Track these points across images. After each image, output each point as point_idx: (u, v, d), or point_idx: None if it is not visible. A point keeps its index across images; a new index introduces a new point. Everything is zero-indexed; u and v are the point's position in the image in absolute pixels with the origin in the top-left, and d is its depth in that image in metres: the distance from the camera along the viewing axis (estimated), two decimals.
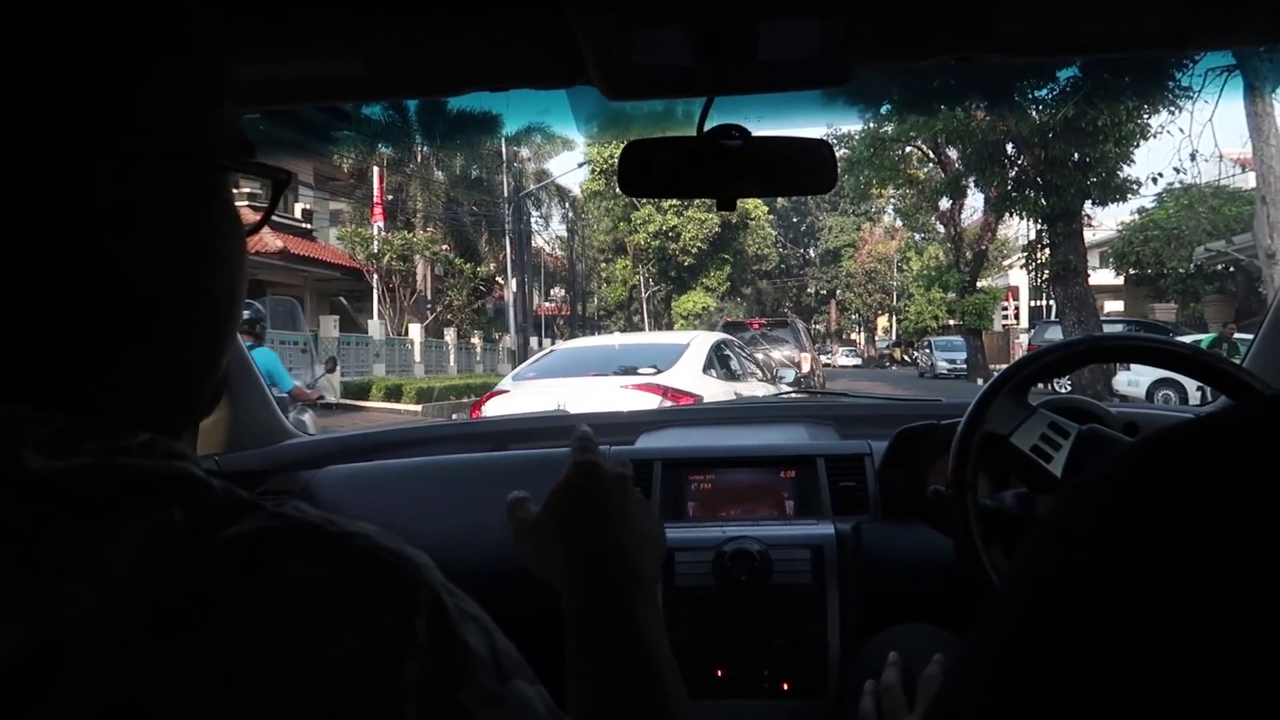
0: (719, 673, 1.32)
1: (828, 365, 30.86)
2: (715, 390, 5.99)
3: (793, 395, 4.81)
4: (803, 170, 1.22)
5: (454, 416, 17.64)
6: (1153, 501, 0.35)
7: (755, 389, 6.78)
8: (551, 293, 38.66)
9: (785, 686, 1.31)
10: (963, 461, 1.13)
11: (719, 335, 7.61)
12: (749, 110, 1.15)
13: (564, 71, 1.02)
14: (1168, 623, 0.31)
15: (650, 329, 33.05)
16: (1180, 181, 24.34)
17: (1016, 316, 36.87)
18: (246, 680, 0.37)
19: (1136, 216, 25.91)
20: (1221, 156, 20.79)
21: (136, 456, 0.43)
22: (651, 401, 5.25)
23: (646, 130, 1.31)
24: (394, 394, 17.92)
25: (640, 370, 6.12)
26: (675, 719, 0.62)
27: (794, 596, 1.32)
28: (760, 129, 1.17)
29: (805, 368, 10.91)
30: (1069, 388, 11.78)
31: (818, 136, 1.29)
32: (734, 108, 1.12)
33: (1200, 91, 14.45)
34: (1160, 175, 15.10)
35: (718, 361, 6.87)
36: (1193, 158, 15.51)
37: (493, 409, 5.74)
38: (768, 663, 1.31)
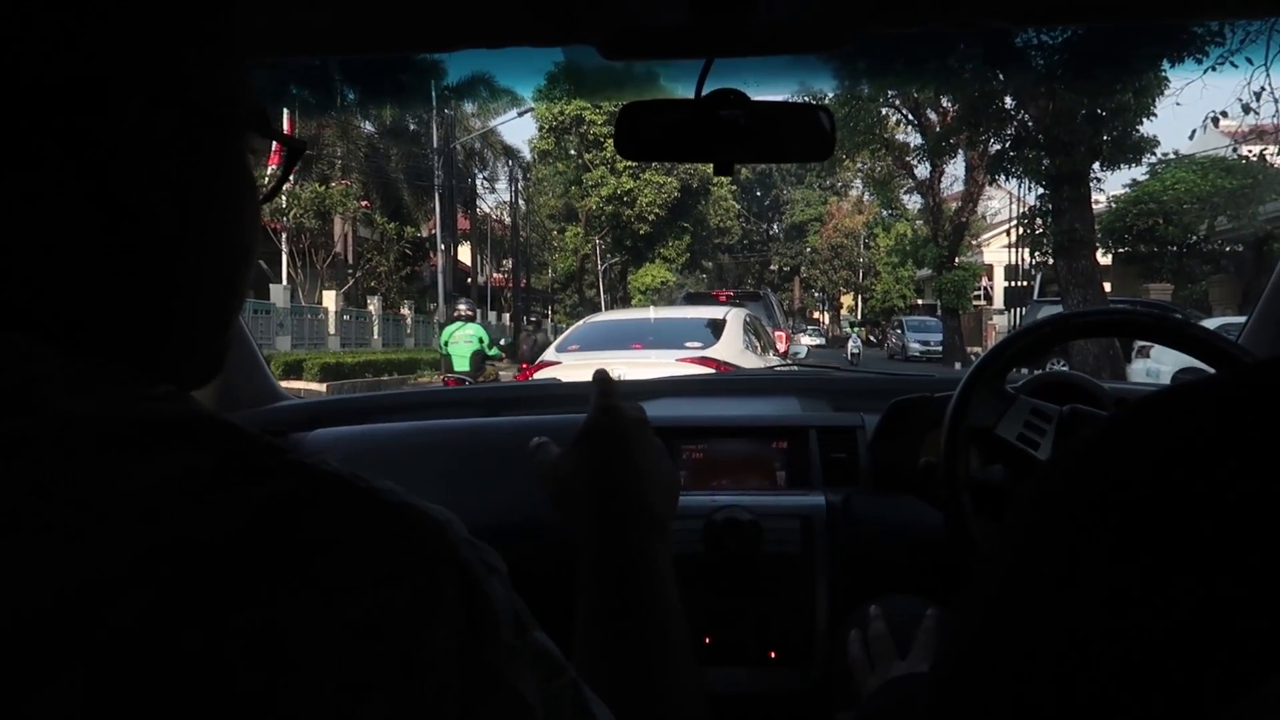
0: (707, 640, 1.32)
1: None
2: (755, 363, 6.37)
3: (787, 367, 4.57)
4: (801, 136, 1.20)
5: None
6: (1124, 465, 0.37)
7: (774, 363, 6.82)
8: (503, 263, 36.18)
9: (773, 655, 1.32)
10: (953, 445, 1.16)
11: (745, 311, 7.80)
12: (742, 75, 1.14)
13: (559, 28, 1.00)
14: (1138, 575, 0.33)
15: (606, 304, 30.98)
16: (1175, 152, 22.87)
17: (988, 298, 35.17)
18: (276, 644, 0.36)
19: (1126, 189, 24.13)
20: (1217, 123, 19.13)
21: (161, 403, 0.43)
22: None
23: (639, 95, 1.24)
24: (294, 370, 15.38)
25: (688, 344, 6.35)
26: (679, 664, 0.64)
27: (783, 566, 1.33)
28: (758, 94, 1.16)
29: (781, 346, 9.20)
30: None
31: (817, 104, 1.28)
32: (728, 78, 1.11)
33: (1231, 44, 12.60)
34: (1224, 113, 12.92)
35: (752, 337, 7.21)
36: (1215, 122, 13.40)
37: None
38: (756, 631, 1.32)
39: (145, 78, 0.45)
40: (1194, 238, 21.69)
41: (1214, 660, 0.29)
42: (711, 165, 1.20)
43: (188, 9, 0.48)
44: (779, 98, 1.18)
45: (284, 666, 0.36)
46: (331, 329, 20.08)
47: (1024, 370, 1.84)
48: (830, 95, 19.64)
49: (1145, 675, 0.31)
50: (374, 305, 22.36)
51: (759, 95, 1.14)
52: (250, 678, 0.35)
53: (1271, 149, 16.89)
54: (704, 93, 1.11)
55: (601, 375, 0.79)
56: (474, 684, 0.40)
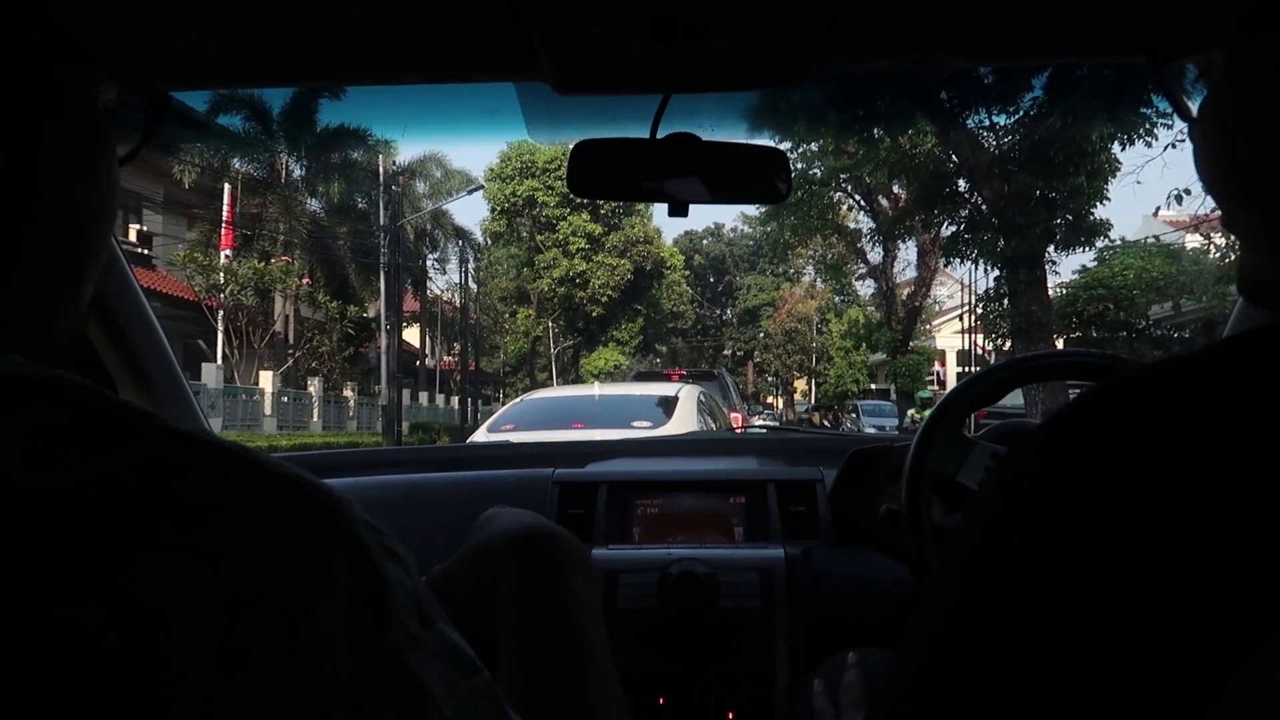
0: (661, 701, 1.28)
1: None
2: None
3: (745, 431, 4.31)
4: (757, 178, 1.19)
5: None
6: (1077, 440, 0.39)
7: None
8: (453, 346, 35.53)
9: (730, 715, 1.27)
10: (915, 492, 1.14)
11: (699, 389, 7.42)
12: (699, 120, 1.12)
13: (512, 61, 0.98)
14: (1110, 544, 0.35)
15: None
16: (1122, 239, 23.28)
17: (941, 383, 35.31)
18: (139, 608, 0.34)
19: (1076, 275, 24.45)
20: (1157, 214, 19.42)
21: (8, 366, 0.40)
22: None
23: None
24: None
25: (635, 423, 5.94)
26: (608, 701, 0.62)
27: (741, 621, 1.29)
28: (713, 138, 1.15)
29: (738, 429, 8.57)
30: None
31: (773, 147, 1.25)
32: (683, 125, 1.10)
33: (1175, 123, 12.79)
34: (1187, 191, 13.01)
35: (707, 417, 6.75)
36: (1179, 200, 13.46)
37: None
38: (713, 691, 1.28)
39: None
40: (1143, 323, 21.88)
41: (1194, 633, 0.32)
42: (669, 209, 1.15)
43: None
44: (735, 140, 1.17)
45: (155, 634, 0.34)
46: (268, 410, 19.19)
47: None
48: (794, 161, 19.74)
49: (1123, 650, 0.33)
50: (315, 386, 21.51)
51: (715, 139, 1.13)
52: (117, 645, 0.33)
53: (1217, 238, 17.11)
54: (661, 134, 1.08)
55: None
56: (369, 666, 0.38)
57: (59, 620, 0.33)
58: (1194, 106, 0.52)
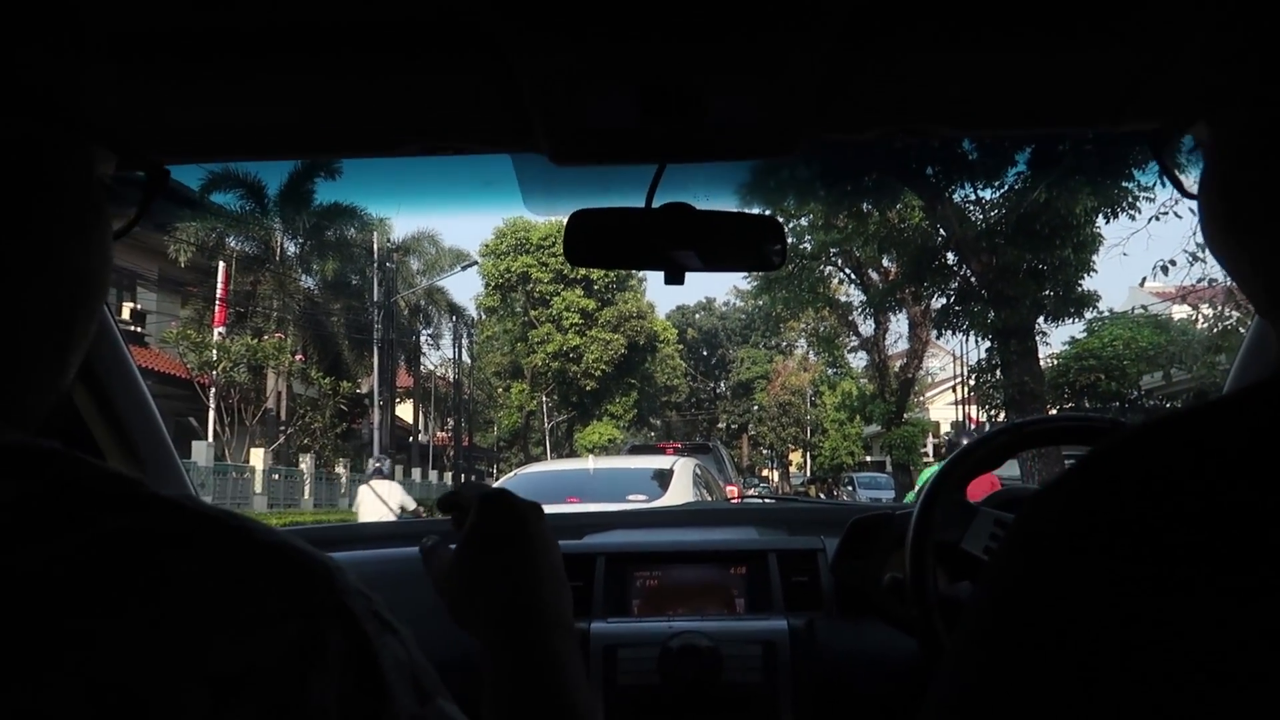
0: None
1: None
2: None
3: (742, 502, 4.35)
4: (752, 246, 1.19)
5: None
6: (1094, 498, 0.37)
7: None
8: (447, 422, 35.42)
9: None
10: (919, 560, 1.12)
11: (695, 462, 7.29)
12: (693, 190, 1.14)
13: (508, 133, 0.99)
14: (1135, 609, 0.33)
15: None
16: (1110, 310, 23.49)
17: (937, 454, 35.21)
18: (120, 693, 0.32)
19: (1066, 346, 24.62)
20: (1144, 284, 19.64)
21: None
22: None
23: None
24: None
25: (630, 497, 5.76)
26: None
27: (745, 695, 1.27)
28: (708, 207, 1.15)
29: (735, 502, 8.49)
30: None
31: (769, 215, 1.22)
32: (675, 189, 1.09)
33: (1158, 191, 13.05)
34: (1172, 262, 13.14)
35: (703, 490, 6.64)
36: (1165, 270, 13.63)
37: None
38: None
39: None
40: (1135, 393, 21.95)
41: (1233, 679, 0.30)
42: (665, 277, 1.14)
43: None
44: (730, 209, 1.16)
45: (135, 716, 0.32)
46: (258, 488, 18.99)
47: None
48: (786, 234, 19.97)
49: (1158, 700, 0.31)
50: (306, 463, 21.34)
51: (709, 208, 1.13)
52: None
53: (1204, 308, 17.28)
54: (655, 204, 1.08)
55: (476, 484, 0.60)
56: None
57: (31, 706, 0.31)
58: (1189, 181, 0.52)
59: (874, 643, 1.30)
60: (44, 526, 0.34)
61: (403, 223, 24.78)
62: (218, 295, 19.79)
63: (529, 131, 0.96)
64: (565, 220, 1.17)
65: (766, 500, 4.11)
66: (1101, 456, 0.39)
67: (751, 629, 1.31)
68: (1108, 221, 13.72)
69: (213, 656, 0.34)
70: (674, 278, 1.13)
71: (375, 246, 21.52)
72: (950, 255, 15.31)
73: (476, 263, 28.54)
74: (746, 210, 1.38)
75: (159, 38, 0.79)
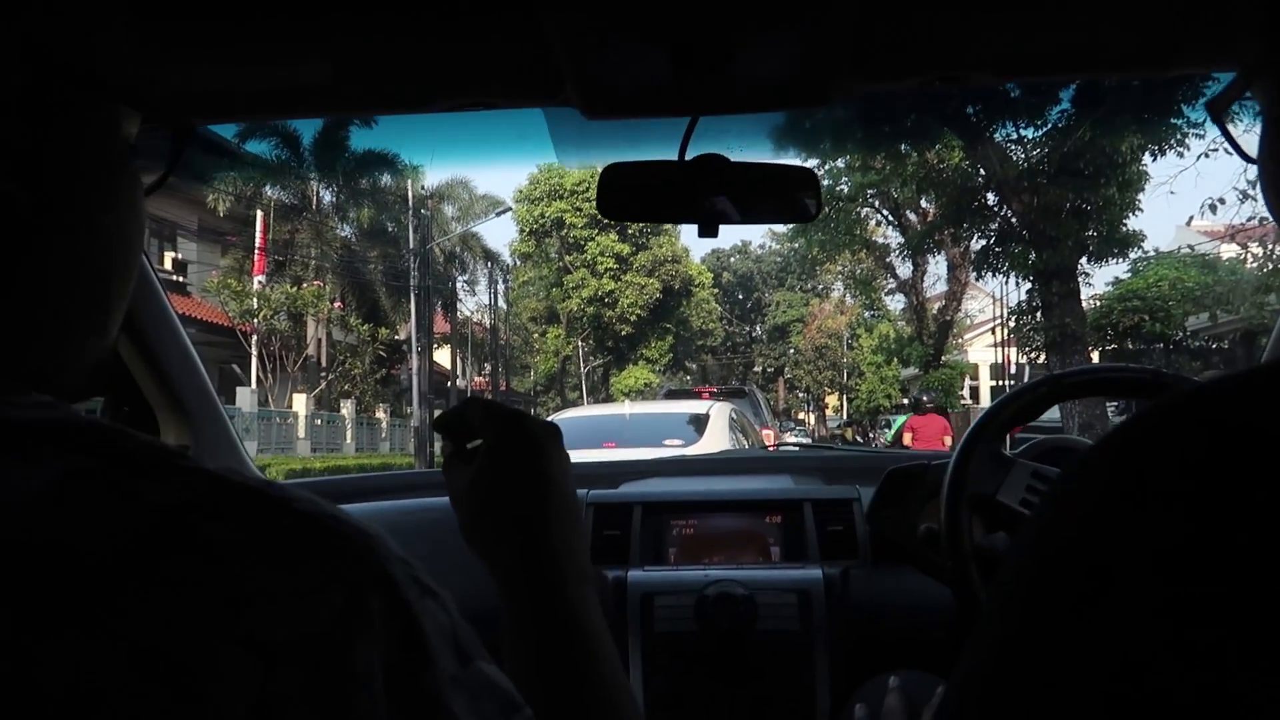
0: None
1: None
2: None
3: (779, 449, 4.10)
4: (787, 197, 1.19)
5: None
6: (1146, 461, 0.36)
7: None
8: (484, 367, 35.69)
9: None
10: (954, 513, 1.12)
11: (730, 406, 7.21)
12: (727, 141, 1.14)
13: (540, 88, 0.99)
14: (1183, 576, 0.32)
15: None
16: (1156, 250, 22.93)
17: (975, 397, 34.88)
18: (167, 660, 0.33)
19: (1109, 287, 24.13)
20: (1190, 223, 19.10)
21: (33, 409, 0.39)
22: None
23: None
24: None
25: (667, 442, 5.79)
26: (614, 703, 0.59)
27: (780, 643, 1.28)
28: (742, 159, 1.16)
29: (770, 445, 8.47)
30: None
31: (802, 166, 1.21)
32: (709, 145, 1.10)
33: (1208, 127, 12.62)
34: (1221, 200, 12.74)
35: (739, 434, 6.59)
36: (1213, 209, 13.24)
37: None
38: (752, 713, 1.27)
39: None
40: (1180, 334, 21.52)
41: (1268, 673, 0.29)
42: (699, 230, 1.15)
43: None
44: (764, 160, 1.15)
45: (184, 685, 0.33)
46: (301, 433, 19.34)
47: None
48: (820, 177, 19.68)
49: (1192, 692, 0.30)
50: (348, 409, 21.69)
51: (743, 158, 1.12)
52: (144, 699, 0.32)
53: (1254, 247, 16.81)
54: (688, 157, 1.08)
55: (481, 400, 0.71)
56: (408, 709, 0.37)
57: (83, 671, 0.32)
58: (1250, 145, 0.50)
59: (908, 592, 1.31)
60: (94, 500, 0.35)
61: (436, 170, 24.76)
62: (257, 244, 19.98)
63: (560, 87, 0.96)
64: (598, 170, 1.17)
65: (803, 446, 4.09)
66: (1157, 416, 0.37)
67: (786, 577, 1.32)
68: (1154, 159, 13.36)
69: (257, 624, 0.34)
70: (708, 231, 1.13)
71: (410, 194, 21.50)
72: (991, 196, 15.02)
73: (511, 209, 28.46)
74: (781, 159, 1.35)
75: None
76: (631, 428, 6.34)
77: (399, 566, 0.39)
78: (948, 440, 11.09)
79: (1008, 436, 1.36)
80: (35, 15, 0.41)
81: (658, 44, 0.87)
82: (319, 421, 20.36)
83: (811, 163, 12.86)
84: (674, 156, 1.10)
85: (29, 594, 0.33)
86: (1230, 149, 0.52)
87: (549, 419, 5.40)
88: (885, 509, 1.36)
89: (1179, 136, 13.03)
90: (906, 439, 11.14)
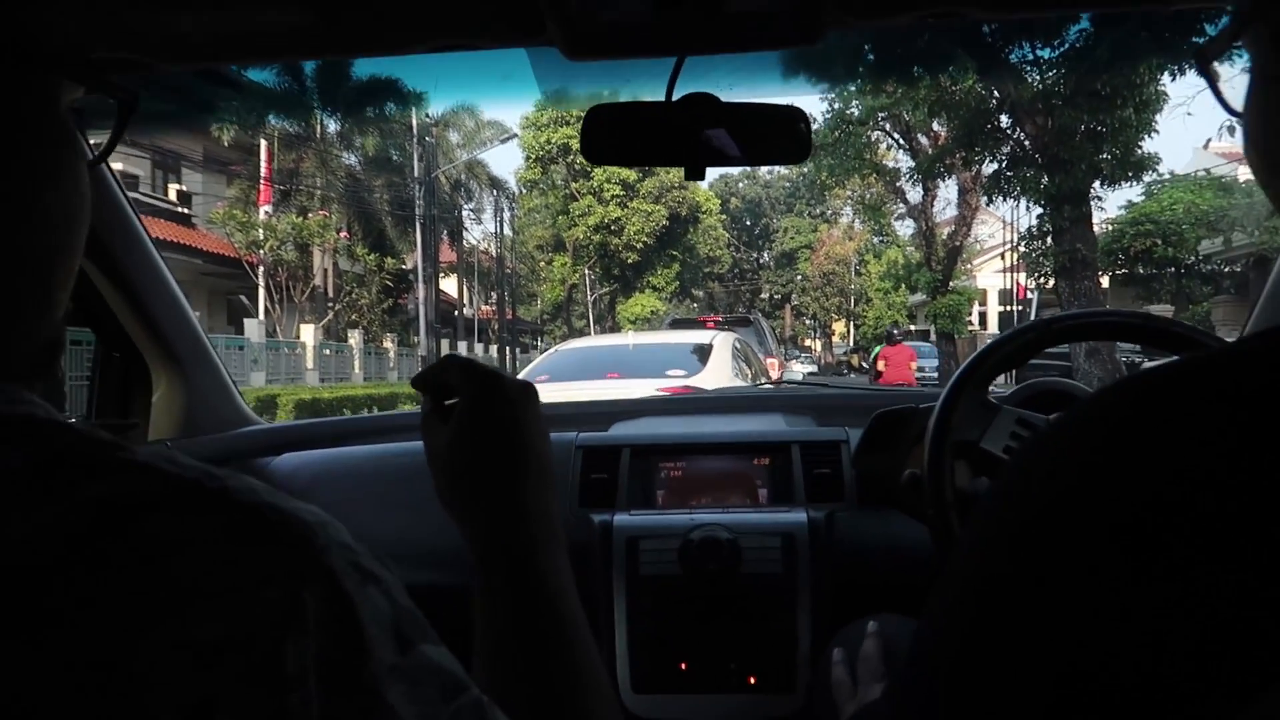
0: (683, 666, 1.28)
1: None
2: None
3: (770, 386, 4.44)
4: (776, 138, 1.16)
5: None
6: (1129, 474, 0.35)
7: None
8: (490, 295, 35.64)
9: (752, 680, 1.27)
10: (937, 460, 1.12)
11: (734, 336, 7.26)
12: (717, 84, 1.11)
13: (522, 28, 0.97)
14: (1144, 554, 0.32)
15: (594, 335, 30.43)
16: (1171, 173, 22.56)
17: (983, 323, 34.77)
18: (103, 666, 0.33)
19: (1122, 211, 23.81)
20: (1208, 146, 18.77)
21: None
22: None
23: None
24: (268, 407, 14.71)
25: (670, 373, 5.80)
26: (582, 670, 0.59)
27: (764, 586, 1.29)
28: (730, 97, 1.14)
29: (774, 374, 8.56)
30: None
31: (790, 105, 1.18)
32: (701, 82, 1.08)
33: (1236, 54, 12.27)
34: (1230, 130, 12.40)
35: (742, 364, 6.63)
36: (1231, 131, 12.94)
37: None
38: (735, 656, 1.28)
39: None
40: (1192, 259, 21.32)
41: (1221, 667, 0.30)
42: (685, 173, 1.14)
43: None
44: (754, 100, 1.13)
45: (114, 687, 0.32)
46: (310, 363, 19.42)
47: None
48: (817, 116, 19.31)
49: (1151, 684, 0.31)
50: (355, 339, 21.74)
51: (733, 99, 1.09)
52: (74, 703, 0.32)
53: None
54: (675, 96, 1.06)
55: (456, 358, 0.70)
56: (344, 703, 0.37)
57: (15, 677, 0.31)
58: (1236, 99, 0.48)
59: (892, 534, 1.31)
60: (27, 496, 0.34)
61: (440, 95, 24.35)
62: (262, 174, 19.80)
63: (541, 27, 0.94)
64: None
65: (799, 383, 4.09)
66: (1131, 387, 0.37)
67: (771, 521, 1.33)
68: (1174, 79, 13.03)
69: (193, 624, 0.33)
70: (695, 174, 1.12)
71: (414, 121, 21.19)
72: (1004, 118, 14.73)
73: (516, 136, 28.05)
74: (786, 89, 1.38)
75: None
76: (635, 358, 6.33)
77: (339, 554, 0.38)
78: (913, 365, 13.26)
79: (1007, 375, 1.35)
80: None
81: None
82: (327, 352, 20.43)
83: (821, 87, 12.61)
84: (662, 96, 1.07)
85: None
86: (1216, 101, 0.50)
87: (554, 350, 5.44)
88: (872, 453, 1.36)
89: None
90: (880, 366, 13.07)
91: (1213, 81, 0.48)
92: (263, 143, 19.82)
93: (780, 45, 1.02)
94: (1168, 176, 20.97)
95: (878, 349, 14.88)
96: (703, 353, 6.38)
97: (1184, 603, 0.31)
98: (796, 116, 1.15)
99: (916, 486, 1.19)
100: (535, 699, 0.56)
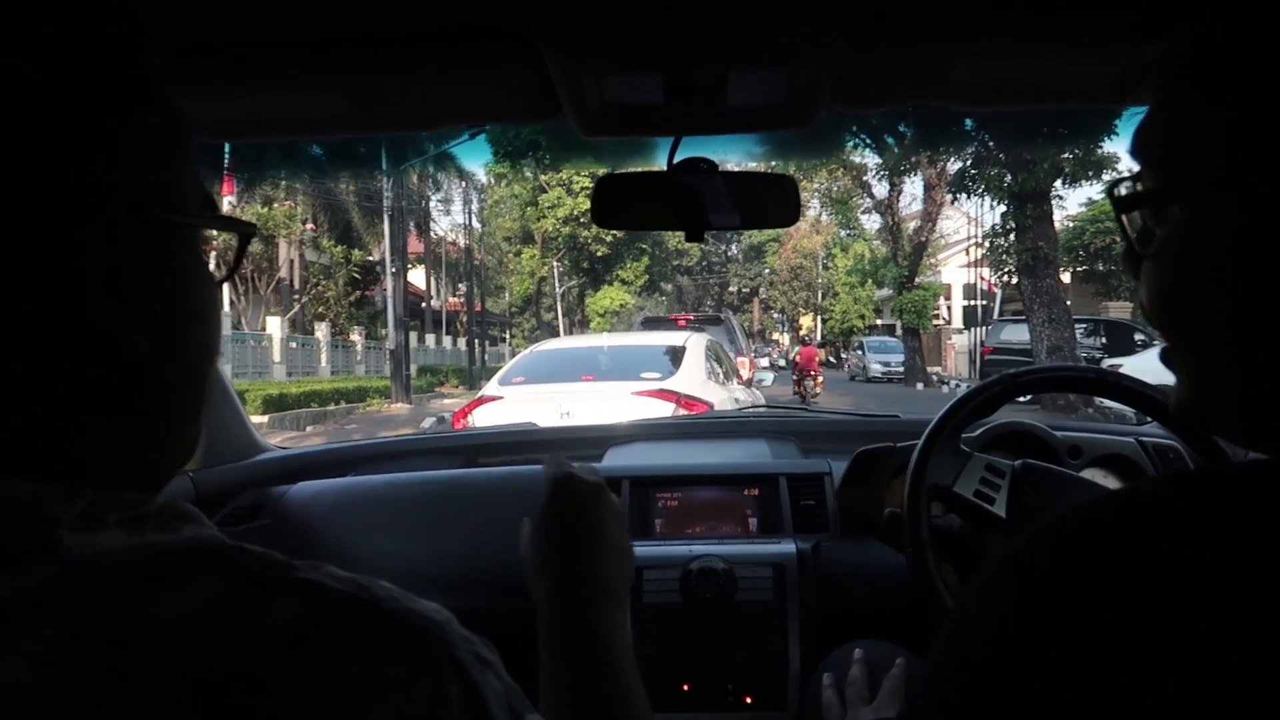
0: (685, 687, 1.38)
1: None
2: (719, 397, 5.96)
3: (755, 409, 4.47)
4: (768, 204, 1.26)
5: (307, 429, 14.72)
6: (1112, 563, 0.40)
7: (739, 394, 6.67)
8: (459, 288, 35.49)
9: (748, 700, 1.37)
10: (915, 504, 1.22)
11: (706, 337, 7.40)
12: (711, 148, 1.22)
13: (540, 110, 1.04)
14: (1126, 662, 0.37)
15: (564, 327, 30.42)
16: (1130, 171, 22.93)
17: (949, 317, 35.21)
18: None
19: (1083, 208, 24.24)
20: None
21: (162, 528, 0.45)
22: (665, 409, 5.25)
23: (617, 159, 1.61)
24: None
25: (644, 375, 6.00)
26: (623, 703, 0.69)
27: (757, 613, 1.38)
28: (725, 155, 1.27)
29: (745, 374, 8.66)
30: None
31: (783, 173, 1.34)
32: (697, 146, 1.18)
33: None
34: None
35: (715, 364, 6.77)
36: None
37: (484, 417, 5.51)
38: (731, 677, 1.37)
39: (95, 193, 0.43)
40: None
41: None
42: (686, 236, 1.24)
43: (114, 113, 0.45)
44: (748, 165, 1.21)
45: None
46: (276, 357, 19.27)
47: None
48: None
49: None
50: (322, 331, 21.59)
51: (727, 158, 1.21)
52: None
53: None
54: (677, 158, 1.15)
55: (555, 456, 0.85)
56: None
57: None
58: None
59: (874, 563, 1.41)
60: (226, 622, 0.40)
61: None
62: (223, 165, 19.55)
63: (558, 109, 1.02)
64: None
65: (769, 407, 4.21)
66: (1061, 534, 0.43)
67: (762, 553, 1.43)
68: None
69: (371, 715, 0.39)
70: (695, 237, 1.25)
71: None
72: (967, 121, 14.96)
73: (485, 130, 27.89)
74: (763, 168, 1.51)
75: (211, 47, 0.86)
76: (609, 360, 6.40)
77: (465, 648, 0.44)
78: (816, 360, 18.25)
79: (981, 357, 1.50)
80: (130, 166, 0.45)
81: (652, 79, 0.94)
82: (294, 345, 20.27)
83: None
84: (664, 151, 1.16)
85: (204, 707, 0.37)
86: (1122, 238, 0.51)
87: (529, 351, 5.43)
88: (853, 487, 1.47)
89: None
90: (797, 359, 18.48)
91: (1122, 223, 0.50)
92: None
93: (775, 128, 1.11)
94: (1127, 175, 21.36)
95: (798, 349, 20.30)
96: (676, 355, 6.51)
97: None
98: (786, 183, 1.26)
99: (896, 523, 1.29)
100: None
